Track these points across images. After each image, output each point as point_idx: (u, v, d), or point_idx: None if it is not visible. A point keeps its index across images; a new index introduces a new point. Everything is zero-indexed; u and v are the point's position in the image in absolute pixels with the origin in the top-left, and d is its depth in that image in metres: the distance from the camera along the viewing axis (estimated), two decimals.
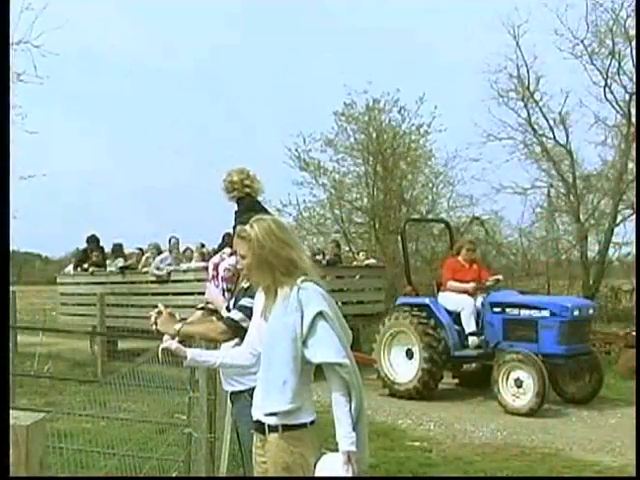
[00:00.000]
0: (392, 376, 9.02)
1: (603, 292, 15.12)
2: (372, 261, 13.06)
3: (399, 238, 10.92)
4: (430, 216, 16.81)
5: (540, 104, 15.65)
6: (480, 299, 8.78)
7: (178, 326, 3.22)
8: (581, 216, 15.42)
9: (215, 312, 3.89)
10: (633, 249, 14.75)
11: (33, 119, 15.21)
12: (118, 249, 13.30)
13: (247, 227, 2.87)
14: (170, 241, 12.39)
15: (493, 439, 6.84)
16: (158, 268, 11.75)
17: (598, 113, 15.04)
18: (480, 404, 8.53)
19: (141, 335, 10.35)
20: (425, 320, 8.76)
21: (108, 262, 13.18)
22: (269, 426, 2.75)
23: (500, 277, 9.49)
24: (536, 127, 15.79)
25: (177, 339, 3.11)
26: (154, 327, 3.28)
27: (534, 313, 8.26)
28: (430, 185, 17.28)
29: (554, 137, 15.75)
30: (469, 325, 8.66)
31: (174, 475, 4.72)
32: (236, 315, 3.34)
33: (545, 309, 8.21)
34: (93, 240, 13.65)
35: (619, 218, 15.09)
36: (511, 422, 7.47)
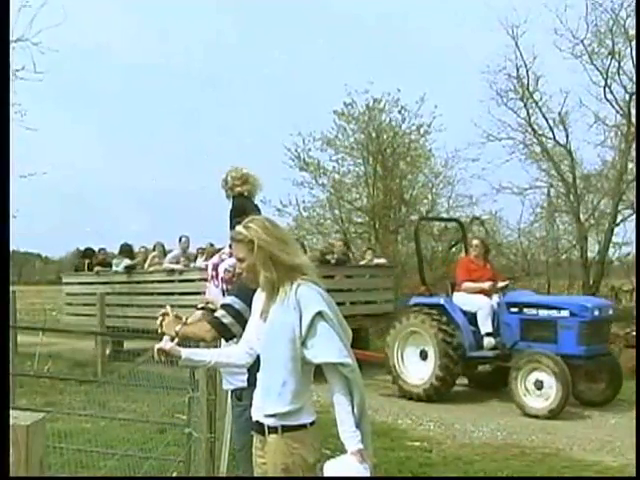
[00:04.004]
0: (406, 377, 8.84)
1: (603, 292, 15.11)
2: (381, 260, 12.85)
3: (413, 237, 10.50)
4: (430, 216, 16.85)
5: (540, 104, 15.67)
6: (496, 299, 8.62)
7: (178, 327, 3.23)
8: (581, 216, 15.42)
9: (215, 312, 3.90)
10: (633, 249, 14.75)
11: (30, 116, 15.22)
12: (127, 249, 13.09)
13: (241, 229, 2.83)
14: (180, 240, 12.26)
15: (493, 439, 6.83)
16: (177, 262, 11.71)
17: (598, 113, 15.08)
18: (480, 404, 8.52)
19: (144, 335, 10.32)
20: (440, 320, 8.57)
21: (115, 262, 12.99)
22: (269, 427, 2.74)
23: (508, 282, 9.34)
24: (536, 127, 15.81)
25: (176, 340, 3.11)
26: (159, 328, 3.31)
27: (553, 313, 8.08)
28: (430, 185, 17.29)
29: (554, 137, 15.76)
30: (485, 325, 8.48)
31: (174, 475, 4.72)
32: (218, 312, 3.39)
33: (565, 309, 8.04)
34: (89, 253, 13.71)
35: (619, 218, 15.10)
36: (511, 422, 7.47)
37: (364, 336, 11.56)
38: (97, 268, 13.11)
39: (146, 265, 12.54)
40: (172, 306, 3.45)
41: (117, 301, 12.18)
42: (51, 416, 5.51)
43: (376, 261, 12.54)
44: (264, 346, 2.79)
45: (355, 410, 2.68)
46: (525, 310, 8.32)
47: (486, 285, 8.66)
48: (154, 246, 13.02)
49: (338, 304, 10.37)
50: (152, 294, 11.72)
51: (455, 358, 8.46)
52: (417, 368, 8.77)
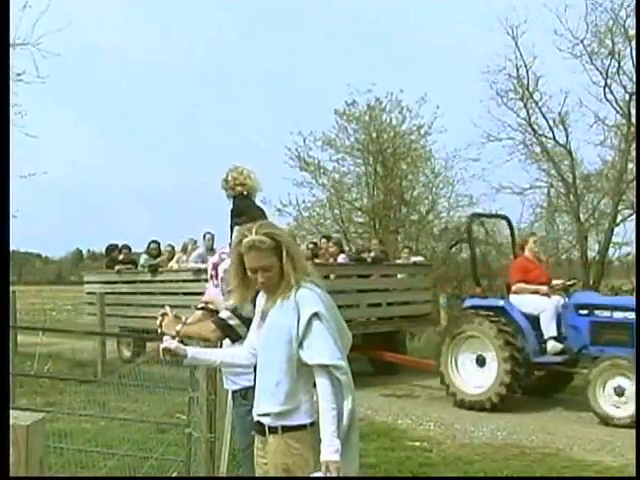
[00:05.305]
0: (461, 386, 8.26)
1: (603, 292, 15.12)
2: (419, 259, 12.37)
3: (466, 234, 9.75)
4: (430, 216, 16.88)
5: (540, 104, 15.68)
6: (557, 300, 8.08)
7: (179, 327, 3.25)
8: (581, 216, 15.44)
9: (215, 312, 3.90)
10: (633, 249, 14.77)
11: (31, 115, 15.21)
12: (154, 247, 12.52)
13: (263, 237, 2.71)
14: (205, 237, 11.75)
15: (493, 439, 6.83)
16: (202, 261, 11.32)
17: (598, 113, 15.09)
18: None
19: (145, 336, 10.20)
20: (502, 324, 8.00)
21: (140, 260, 12.49)
22: (269, 427, 2.75)
23: (574, 281, 8.75)
24: (536, 127, 15.82)
25: (177, 339, 3.12)
26: (159, 329, 3.32)
27: (630, 315, 7.44)
28: (430, 185, 17.31)
29: (554, 137, 15.77)
30: (549, 329, 7.94)
31: (174, 475, 4.72)
32: (224, 314, 3.38)
33: None
34: (113, 249, 13.19)
35: (619, 218, 15.12)
36: (511, 422, 7.46)
37: (401, 339, 11.05)
38: (118, 267, 12.53)
39: (171, 263, 12.05)
40: (174, 306, 3.47)
41: (139, 301, 11.70)
42: (51, 416, 5.50)
43: (413, 259, 12.00)
44: (262, 347, 2.79)
45: (345, 417, 2.65)
46: (597, 312, 7.73)
47: (545, 288, 8.14)
48: (184, 244, 12.45)
49: (374, 305, 10.10)
50: (177, 294, 11.05)
51: (520, 364, 7.91)
52: (474, 375, 8.24)
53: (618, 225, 15.13)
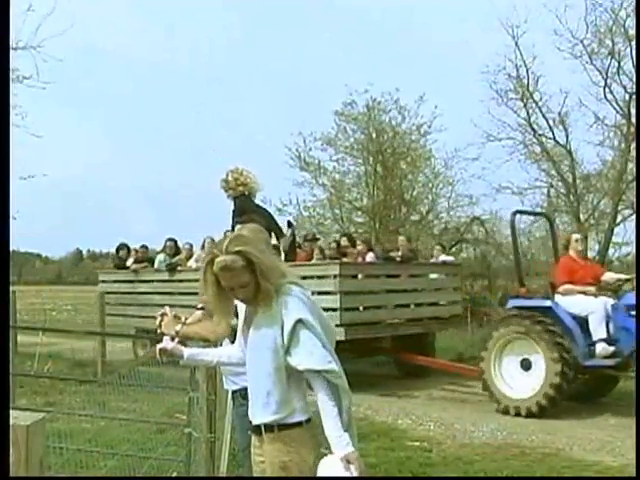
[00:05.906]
0: (505, 391, 7.92)
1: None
2: (449, 258, 12.05)
3: (510, 231, 9.38)
4: (430, 216, 16.89)
5: (539, 104, 15.71)
6: (608, 301, 7.77)
7: (178, 327, 3.25)
8: (581, 216, 15.45)
9: None
10: (633, 249, 14.76)
11: (34, 116, 15.20)
12: (172, 245, 12.23)
13: (234, 257, 2.67)
14: (225, 235, 11.58)
15: (493, 439, 6.83)
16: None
17: (598, 113, 15.11)
18: (479, 404, 8.51)
19: (145, 336, 10.14)
20: (551, 325, 7.67)
21: (159, 258, 12.18)
22: (265, 426, 2.75)
23: (630, 277, 8.38)
24: (535, 127, 15.85)
25: (177, 340, 3.12)
26: (158, 329, 3.32)
27: None
28: (430, 185, 17.32)
29: (554, 137, 15.80)
30: (598, 331, 7.61)
31: (174, 475, 4.72)
32: None
33: None
34: (123, 247, 12.99)
35: (619, 218, 15.15)
36: (511, 422, 7.46)
37: (431, 341, 10.63)
38: (134, 266, 12.34)
39: (190, 262, 11.74)
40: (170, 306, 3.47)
41: (157, 301, 11.24)
42: (51, 416, 5.50)
43: (442, 258, 11.68)
44: (249, 356, 2.79)
45: (344, 414, 2.67)
46: None
47: (592, 288, 7.88)
48: (204, 242, 11.93)
49: (402, 306, 9.07)
50: (196, 294, 10.75)
51: (570, 367, 7.57)
52: (519, 380, 7.93)
53: (618, 225, 15.16)
